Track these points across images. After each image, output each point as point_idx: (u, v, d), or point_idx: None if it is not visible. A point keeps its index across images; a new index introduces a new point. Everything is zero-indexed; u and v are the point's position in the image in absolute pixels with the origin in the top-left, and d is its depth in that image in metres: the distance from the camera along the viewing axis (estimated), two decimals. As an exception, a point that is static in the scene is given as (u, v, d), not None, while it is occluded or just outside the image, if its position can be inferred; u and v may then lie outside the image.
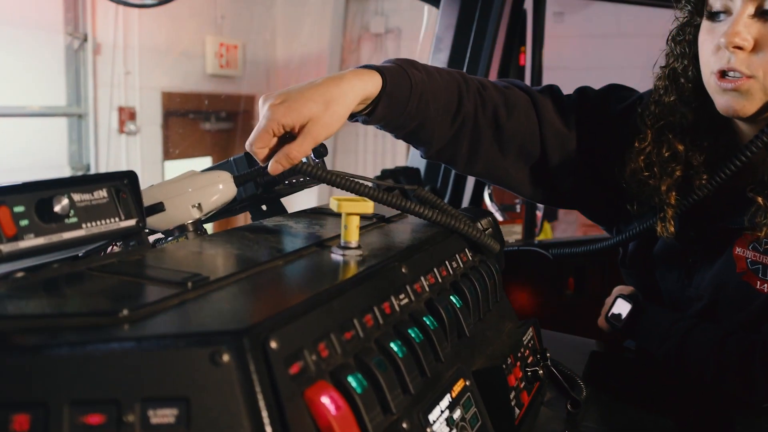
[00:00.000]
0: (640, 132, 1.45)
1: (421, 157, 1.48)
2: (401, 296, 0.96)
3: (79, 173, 5.51)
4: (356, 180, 1.10)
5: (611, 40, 6.82)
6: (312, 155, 1.44)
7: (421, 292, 1.02)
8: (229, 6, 6.81)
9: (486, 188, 2.85)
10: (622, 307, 1.65)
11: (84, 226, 0.89)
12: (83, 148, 5.53)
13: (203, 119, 6.80)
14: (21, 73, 5.11)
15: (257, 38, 7.05)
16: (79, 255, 0.94)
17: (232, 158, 1.28)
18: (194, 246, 1.01)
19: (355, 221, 1.01)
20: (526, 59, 2.85)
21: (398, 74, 1.27)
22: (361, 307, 0.86)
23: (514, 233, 3.13)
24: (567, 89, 1.61)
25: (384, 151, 7.34)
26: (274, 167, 1.08)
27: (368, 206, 1.00)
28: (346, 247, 1.01)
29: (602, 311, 1.79)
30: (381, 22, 7.16)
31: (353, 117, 1.27)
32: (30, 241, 0.82)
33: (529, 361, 1.23)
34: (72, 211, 0.87)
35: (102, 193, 0.93)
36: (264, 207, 1.48)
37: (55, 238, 0.85)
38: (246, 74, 6.91)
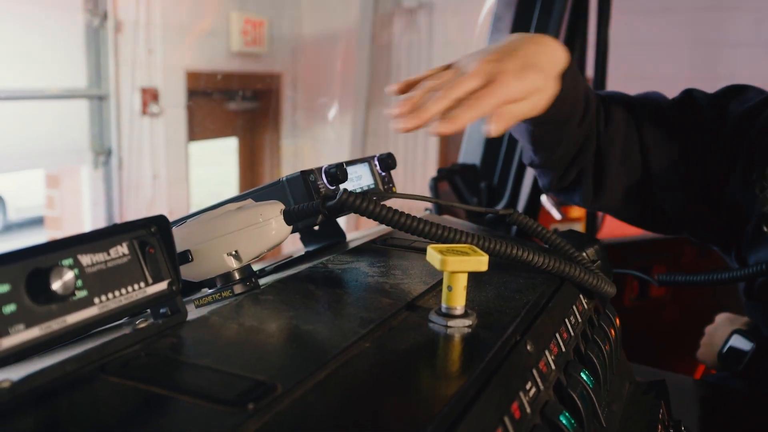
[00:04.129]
0: None
1: (530, 164, 1.28)
2: (528, 386, 0.70)
3: (101, 157, 5.28)
4: (453, 230, 0.84)
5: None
6: (378, 167, 1.18)
7: (547, 372, 0.76)
8: (254, -20, 6.52)
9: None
10: (740, 345, 1.39)
11: (97, 301, 0.63)
12: (105, 131, 5.27)
13: (229, 99, 6.52)
14: (39, 53, 4.86)
15: (284, 14, 6.74)
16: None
17: (284, 179, 1.01)
18: (245, 314, 0.75)
19: (463, 281, 0.75)
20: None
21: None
22: (492, 421, 0.60)
23: (573, 234, 2.87)
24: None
25: (416, 132, 7.01)
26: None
27: (482, 262, 0.74)
28: (449, 315, 0.75)
29: (705, 342, 1.54)
30: (414, -4, 6.81)
31: None
32: (19, 336, 0.56)
33: (663, 439, 0.97)
34: (79, 282, 0.62)
35: (121, 250, 0.67)
36: (316, 227, 1.23)
37: (55, 325, 0.59)
38: (273, 52, 6.61)
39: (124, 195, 5.33)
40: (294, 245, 1.35)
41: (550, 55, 1.07)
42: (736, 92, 1.33)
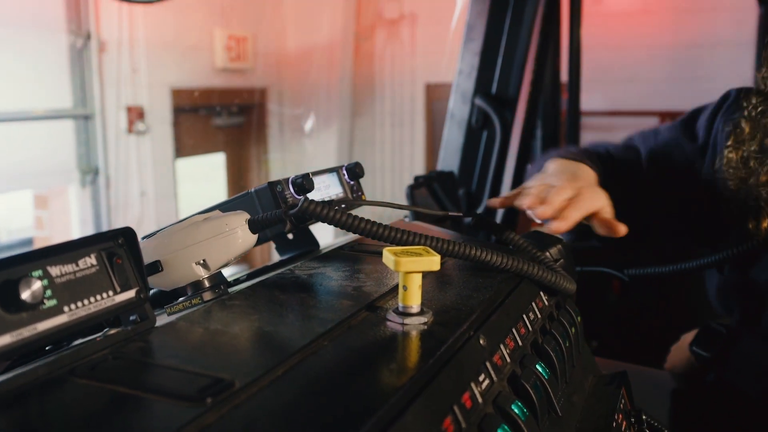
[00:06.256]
0: (735, 128, 1.29)
1: None
2: (481, 378, 0.74)
3: (88, 176, 5.31)
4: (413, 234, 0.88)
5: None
6: (347, 176, 1.22)
7: (502, 365, 0.80)
8: (236, -4, 6.58)
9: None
10: (710, 336, 1.44)
11: (67, 309, 0.67)
12: (91, 150, 5.31)
13: (214, 115, 6.57)
14: (24, 75, 4.90)
15: (267, 29, 6.80)
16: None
17: (253, 190, 1.05)
18: (211, 319, 0.79)
19: (417, 281, 0.79)
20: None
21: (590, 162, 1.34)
22: (440, 410, 0.64)
23: (553, 233, 2.91)
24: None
25: (402, 142, 7.09)
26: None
27: (434, 262, 0.78)
28: (405, 313, 0.79)
29: (673, 352, 1.59)
30: (395, 8, 6.87)
31: None
32: (-10, 343, 0.60)
33: (623, 428, 1.01)
34: (48, 292, 0.66)
35: (90, 261, 0.71)
36: (290, 236, 1.27)
37: (26, 332, 0.63)
38: (257, 67, 6.66)
39: (112, 213, 5.36)
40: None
41: (591, 177, 1.30)
42: (698, 111, 1.43)
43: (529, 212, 1.15)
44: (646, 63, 6.38)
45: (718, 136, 1.35)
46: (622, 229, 1.17)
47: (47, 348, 0.89)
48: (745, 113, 1.29)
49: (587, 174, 1.30)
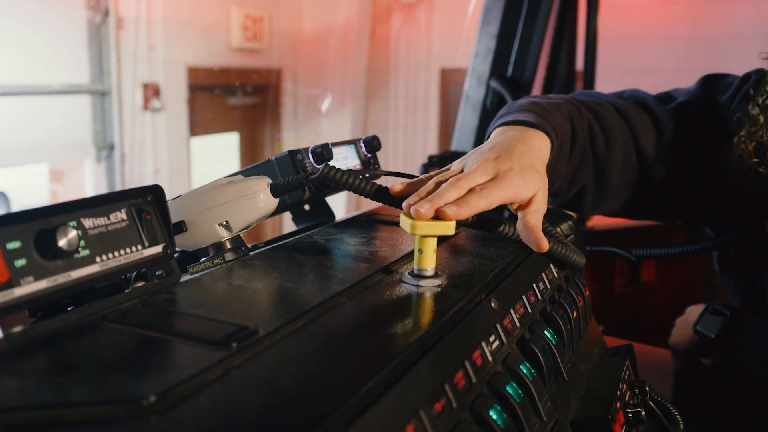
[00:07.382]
0: (750, 116, 1.25)
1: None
2: (491, 338, 0.78)
3: (103, 152, 5.36)
4: None
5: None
6: (364, 149, 1.25)
7: (512, 328, 0.83)
8: (254, -24, 6.59)
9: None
10: (714, 318, 1.46)
11: (98, 259, 0.71)
12: (107, 126, 5.36)
13: (230, 94, 6.60)
14: (42, 50, 4.94)
15: (283, 9, 6.81)
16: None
17: (273, 158, 1.08)
18: (234, 276, 0.83)
19: (433, 245, 0.82)
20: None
21: (551, 129, 1.12)
22: (452, 364, 0.67)
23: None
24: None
25: (415, 126, 7.10)
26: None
27: (449, 227, 0.81)
28: (420, 276, 0.82)
29: (677, 327, 1.61)
30: (412, -9, 6.88)
31: None
32: (29, 287, 0.63)
33: (627, 397, 1.04)
34: (82, 243, 0.69)
35: (120, 216, 0.74)
36: (307, 207, 1.30)
37: (61, 279, 0.66)
38: (272, 47, 6.68)
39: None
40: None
41: (538, 153, 1.05)
42: (714, 81, 1.39)
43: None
44: (663, 54, 6.35)
45: (735, 120, 1.33)
46: (543, 246, 0.93)
47: (68, 309, 0.93)
48: (759, 101, 1.26)
49: (532, 149, 1.03)
